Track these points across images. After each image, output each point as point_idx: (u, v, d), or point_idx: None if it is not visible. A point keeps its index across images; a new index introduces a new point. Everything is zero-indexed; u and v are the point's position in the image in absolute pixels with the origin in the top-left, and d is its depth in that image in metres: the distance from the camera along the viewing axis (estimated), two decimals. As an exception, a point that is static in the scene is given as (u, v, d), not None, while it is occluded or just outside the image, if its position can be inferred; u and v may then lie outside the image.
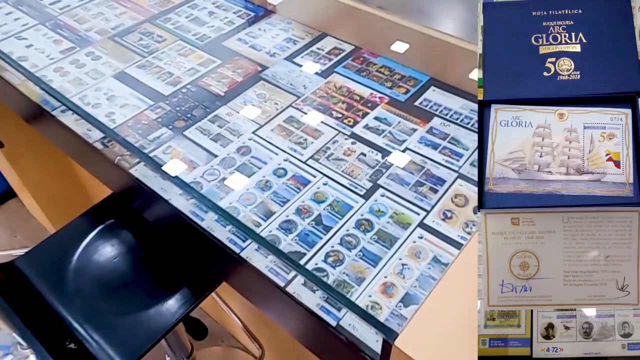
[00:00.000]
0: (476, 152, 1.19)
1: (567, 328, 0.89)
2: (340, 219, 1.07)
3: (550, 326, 0.89)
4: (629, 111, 0.78)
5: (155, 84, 1.43)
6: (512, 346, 0.89)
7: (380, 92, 1.38)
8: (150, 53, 1.54)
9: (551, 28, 0.83)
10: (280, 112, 1.33)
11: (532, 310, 0.90)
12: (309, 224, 1.07)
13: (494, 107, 0.82)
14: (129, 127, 1.29)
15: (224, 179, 1.16)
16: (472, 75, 1.32)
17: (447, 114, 1.31)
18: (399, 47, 1.45)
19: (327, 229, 1.06)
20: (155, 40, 1.59)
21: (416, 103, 1.34)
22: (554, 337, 0.89)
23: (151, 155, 1.21)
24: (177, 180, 1.13)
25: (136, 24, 1.67)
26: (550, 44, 0.83)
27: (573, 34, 0.82)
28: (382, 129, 1.27)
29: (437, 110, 1.32)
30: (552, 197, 0.77)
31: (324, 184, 1.14)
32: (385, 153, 1.21)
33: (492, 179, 0.79)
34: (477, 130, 1.12)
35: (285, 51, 1.53)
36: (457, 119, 1.29)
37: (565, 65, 0.81)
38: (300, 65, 1.48)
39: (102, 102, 1.37)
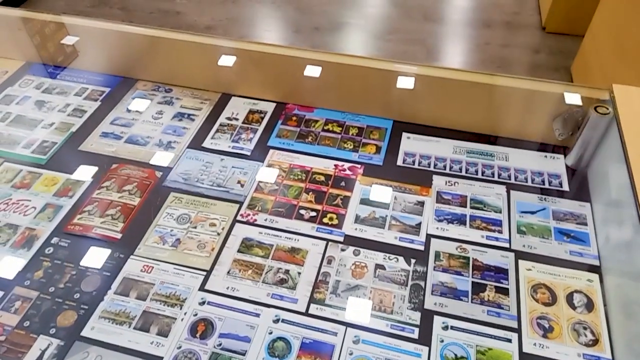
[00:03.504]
0: (512, 211, 0.88)
1: None
2: (410, 397, 0.67)
3: None
4: None
5: (-10, 252, 0.84)
6: None
7: (347, 160, 0.99)
8: (-39, 198, 0.93)
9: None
10: (226, 236, 0.86)
11: None
12: None
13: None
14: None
15: (192, 398, 0.67)
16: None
17: (444, 167, 0.97)
18: (345, 90, 1.07)
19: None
20: (-37, 173, 0.97)
21: (399, 162, 0.98)
22: None
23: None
24: None
25: None
26: None
27: None
28: (380, 216, 0.88)
29: (429, 165, 0.97)
30: None
31: (355, 342, 0.72)
32: (406, 254, 0.83)
33: None
34: (495, 178, 0.79)
35: (183, 135, 1.04)
36: (460, 169, 0.96)
37: None
38: (217, 152, 1.01)
39: None
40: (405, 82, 1.00)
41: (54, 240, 0.85)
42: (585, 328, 0.72)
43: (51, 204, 0.91)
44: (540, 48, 2.63)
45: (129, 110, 1.10)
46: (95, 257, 0.81)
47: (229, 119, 1.08)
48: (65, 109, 1.11)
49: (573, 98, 0.94)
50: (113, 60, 1.20)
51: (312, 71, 1.04)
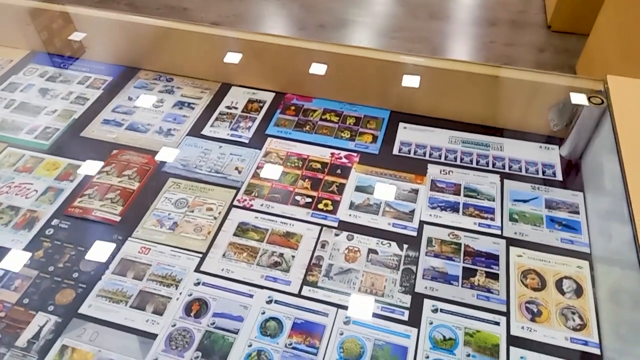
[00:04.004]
0: (505, 199, 0.89)
1: None
2: (398, 376, 0.68)
3: None
4: None
5: (-8, 233, 0.86)
6: None
7: (343, 149, 1.00)
8: (-34, 180, 0.95)
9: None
10: (222, 220, 0.87)
11: None
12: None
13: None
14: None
15: (185, 373, 0.68)
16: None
17: (439, 156, 0.98)
18: (343, 80, 1.08)
19: (389, 401, 0.66)
20: (-33, 157, 1.00)
21: (395, 151, 0.99)
22: None
23: None
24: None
25: None
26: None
27: None
28: (374, 202, 0.90)
29: (424, 154, 0.98)
30: None
31: (346, 323, 0.73)
32: (399, 239, 0.84)
33: None
34: (490, 168, 0.81)
35: (183, 123, 1.06)
36: (455, 158, 0.97)
37: None
38: (216, 139, 1.02)
39: None
40: (410, 81, 1.01)
41: (55, 222, 0.87)
42: (573, 313, 0.73)
43: (52, 187, 0.93)
44: (545, 47, 2.62)
45: (130, 99, 1.12)
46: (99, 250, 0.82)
47: (228, 107, 1.09)
48: (68, 97, 1.13)
49: (579, 98, 0.94)
50: (116, 50, 1.22)
51: (317, 67, 1.05)
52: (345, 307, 0.75)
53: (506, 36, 2.69)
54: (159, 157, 0.97)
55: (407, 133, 1.03)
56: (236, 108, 1.09)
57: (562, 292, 0.76)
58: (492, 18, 2.83)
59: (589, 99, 0.89)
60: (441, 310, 0.74)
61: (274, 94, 1.13)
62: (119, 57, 1.22)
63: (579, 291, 0.76)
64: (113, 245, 0.83)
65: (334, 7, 2.90)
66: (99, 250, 0.82)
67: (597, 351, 0.70)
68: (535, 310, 0.74)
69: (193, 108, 1.09)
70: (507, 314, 0.74)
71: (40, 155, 1.00)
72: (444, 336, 0.71)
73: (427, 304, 0.75)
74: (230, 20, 2.80)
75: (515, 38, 2.68)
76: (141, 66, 1.21)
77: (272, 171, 0.95)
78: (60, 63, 1.23)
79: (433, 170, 0.95)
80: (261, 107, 1.09)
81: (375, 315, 0.74)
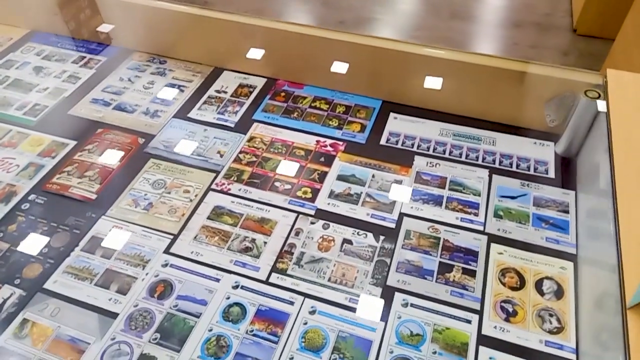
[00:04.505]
0: (491, 195, 0.85)
1: None
2: (360, 370, 0.65)
3: None
4: None
5: (-30, 205, 0.86)
6: None
7: (329, 137, 0.97)
8: (-49, 153, 0.95)
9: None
10: (198, 203, 0.86)
11: None
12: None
13: None
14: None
15: (143, 355, 0.67)
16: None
17: (427, 148, 0.94)
18: (336, 68, 1.06)
19: (347, 395, 0.63)
20: (-45, 130, 1.00)
21: (382, 142, 0.96)
22: None
23: None
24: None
25: None
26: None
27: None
28: (355, 192, 0.87)
29: (412, 145, 0.95)
30: None
31: (311, 313, 0.71)
32: (376, 230, 0.81)
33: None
34: (479, 162, 0.79)
35: (170, 105, 1.05)
36: (444, 151, 0.94)
37: None
38: (201, 122, 1.01)
39: None
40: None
41: (32, 197, 0.87)
42: (551, 315, 0.70)
43: (34, 163, 0.93)
44: (570, 50, 2.54)
45: (121, 79, 1.11)
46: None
47: (217, 91, 1.08)
48: (60, 75, 1.13)
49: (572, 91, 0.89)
50: (113, 30, 1.22)
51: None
52: (312, 297, 0.72)
53: (530, 38, 2.61)
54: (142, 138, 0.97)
55: (397, 124, 1.00)
56: (225, 92, 1.07)
57: (542, 293, 0.72)
58: (517, 20, 2.76)
59: (585, 92, 0.84)
60: (411, 305, 0.71)
61: (265, 80, 1.11)
62: (115, 38, 1.22)
63: (559, 293, 0.72)
64: (85, 222, 0.82)
65: (355, 5, 2.86)
66: (70, 227, 0.81)
67: (572, 356, 0.66)
68: (510, 309, 0.70)
69: (182, 91, 1.08)
70: (480, 312, 0.70)
71: (27, 131, 1.00)
72: (411, 331, 0.68)
73: (398, 297, 0.72)
74: (249, 15, 2.79)
75: (539, 41, 2.60)
76: (136, 48, 1.20)
77: (252, 156, 0.93)
78: (57, 43, 1.23)
79: (419, 162, 0.92)
80: (251, 92, 1.07)
81: (341, 305, 0.71)
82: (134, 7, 1.16)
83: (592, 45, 2.55)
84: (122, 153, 0.94)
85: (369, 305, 0.71)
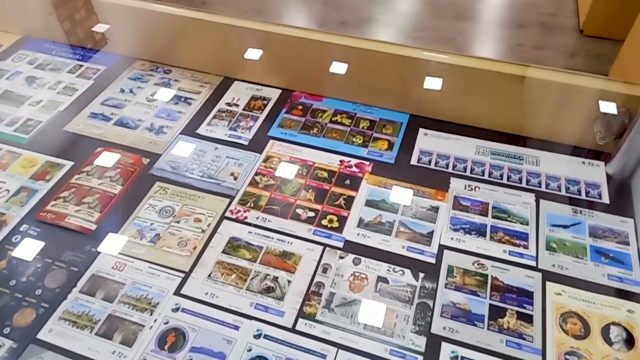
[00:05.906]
0: (541, 223, 0.76)
1: None
2: None
3: None
4: None
5: (-47, 237, 0.76)
6: None
7: (354, 156, 0.88)
8: None
9: None
10: (211, 234, 0.76)
11: None
12: None
13: None
14: None
15: (152, 421, 0.57)
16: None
17: (464, 168, 0.85)
18: (350, 79, 0.96)
19: None
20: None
21: (413, 161, 0.87)
22: None
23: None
24: None
25: None
26: None
27: None
28: (387, 221, 0.77)
29: (447, 165, 0.86)
30: None
31: (347, 368, 0.61)
32: (414, 266, 0.71)
33: None
34: (523, 185, 0.69)
35: (177, 120, 0.95)
36: (482, 172, 0.84)
37: None
38: (212, 140, 0.91)
39: None
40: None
41: (23, 227, 0.77)
42: (623, 369, 0.60)
43: (26, 187, 0.83)
44: (577, 51, 2.46)
45: (122, 91, 1.02)
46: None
47: (228, 104, 0.98)
48: (55, 87, 1.03)
49: (608, 106, 0.81)
50: (112, 37, 1.12)
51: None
52: (346, 348, 0.63)
53: (535, 39, 2.53)
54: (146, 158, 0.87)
55: (427, 140, 0.90)
56: (237, 105, 0.98)
57: (610, 342, 0.63)
58: (521, 20, 2.67)
59: (646, 109, 0.75)
60: (462, 358, 0.62)
61: (280, 91, 1.01)
62: (115, 45, 1.12)
63: (630, 341, 0.63)
64: (84, 258, 0.72)
65: (356, 5, 2.77)
66: (67, 264, 0.71)
67: (653, 421, 0.57)
68: (576, 364, 0.61)
69: (190, 103, 0.98)
70: (542, 367, 0.61)
71: (18, 150, 0.90)
72: (464, 391, 0.59)
73: (446, 348, 0.63)
74: (249, 15, 2.69)
75: (544, 41, 2.52)
76: (138, 56, 1.10)
77: (270, 179, 0.83)
78: (52, 50, 1.13)
79: (456, 185, 0.82)
80: (265, 105, 0.98)
81: (381, 359, 0.62)
82: (134, 12, 1.06)
83: (600, 47, 2.46)
84: (124, 176, 0.84)
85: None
